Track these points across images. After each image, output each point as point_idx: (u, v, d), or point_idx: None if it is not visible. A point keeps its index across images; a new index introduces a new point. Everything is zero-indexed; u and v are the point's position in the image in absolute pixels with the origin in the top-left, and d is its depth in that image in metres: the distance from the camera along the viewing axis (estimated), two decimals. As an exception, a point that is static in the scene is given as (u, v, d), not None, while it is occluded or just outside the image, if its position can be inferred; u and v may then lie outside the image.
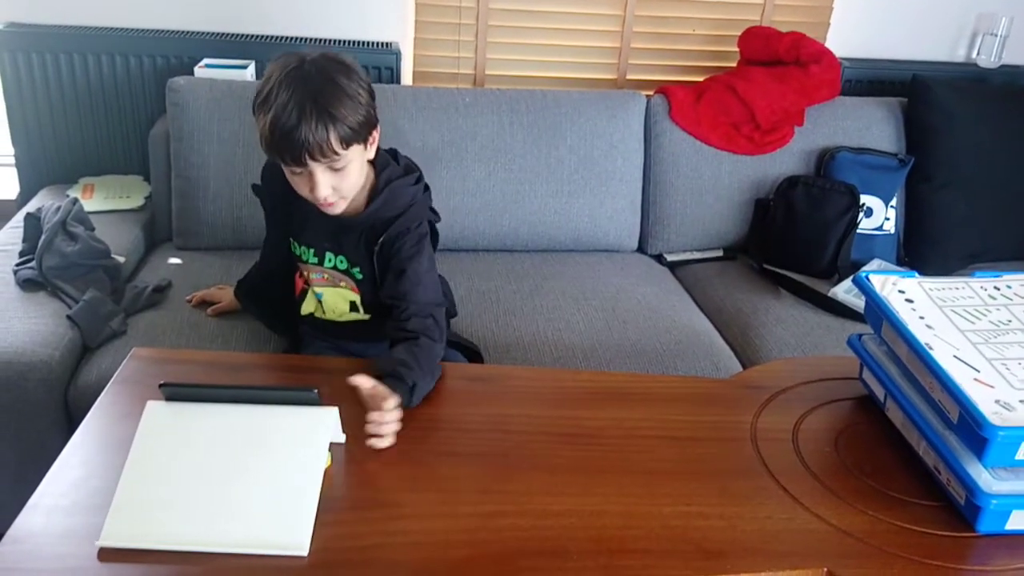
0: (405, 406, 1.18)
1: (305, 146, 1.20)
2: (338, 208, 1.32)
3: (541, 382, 1.37)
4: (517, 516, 1.04)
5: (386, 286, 1.38)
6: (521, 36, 2.50)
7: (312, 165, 1.24)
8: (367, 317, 1.47)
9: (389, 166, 1.39)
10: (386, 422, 1.13)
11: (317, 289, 1.46)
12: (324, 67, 1.24)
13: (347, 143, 1.24)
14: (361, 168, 1.31)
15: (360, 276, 1.42)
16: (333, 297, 1.46)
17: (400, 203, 1.38)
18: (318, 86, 1.21)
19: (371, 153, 1.33)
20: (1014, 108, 2.47)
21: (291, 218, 1.43)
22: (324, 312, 1.49)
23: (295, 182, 1.29)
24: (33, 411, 1.61)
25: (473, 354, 1.64)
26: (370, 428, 1.12)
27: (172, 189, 2.12)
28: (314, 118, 1.19)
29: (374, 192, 1.36)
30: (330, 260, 1.42)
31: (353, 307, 1.46)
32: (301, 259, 1.45)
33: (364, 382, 1.17)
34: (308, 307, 1.50)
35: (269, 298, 1.63)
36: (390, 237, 1.36)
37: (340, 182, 1.28)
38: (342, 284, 1.44)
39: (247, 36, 2.35)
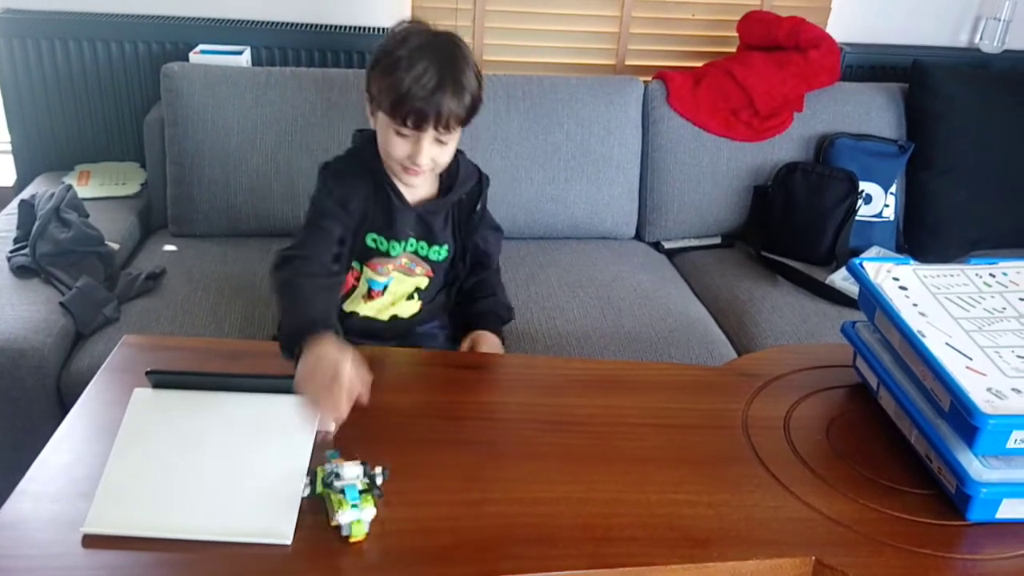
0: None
1: (435, 113, 1.27)
2: (420, 179, 1.38)
3: (531, 370, 1.36)
4: (503, 504, 1.03)
5: (484, 245, 1.52)
6: (519, 21, 2.48)
7: (427, 133, 1.29)
8: (415, 309, 1.49)
9: None
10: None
11: (389, 275, 1.45)
12: (457, 44, 1.32)
13: (464, 121, 1.32)
14: (455, 146, 1.37)
15: (445, 255, 1.47)
16: (401, 284, 1.47)
17: (471, 171, 1.47)
18: (456, 62, 1.29)
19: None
20: (1017, 94, 2.45)
21: (371, 214, 1.41)
22: (372, 307, 1.47)
23: (393, 142, 1.32)
24: (25, 398, 1.61)
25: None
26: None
27: (167, 176, 2.12)
28: (451, 89, 1.26)
29: (448, 169, 1.42)
30: (412, 245, 1.44)
31: (412, 295, 1.48)
32: (385, 253, 1.43)
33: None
34: (353, 304, 1.48)
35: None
36: (482, 203, 1.48)
37: (440, 154, 1.34)
38: (417, 270, 1.46)
39: (243, 22, 2.34)
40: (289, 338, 1.17)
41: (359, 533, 0.95)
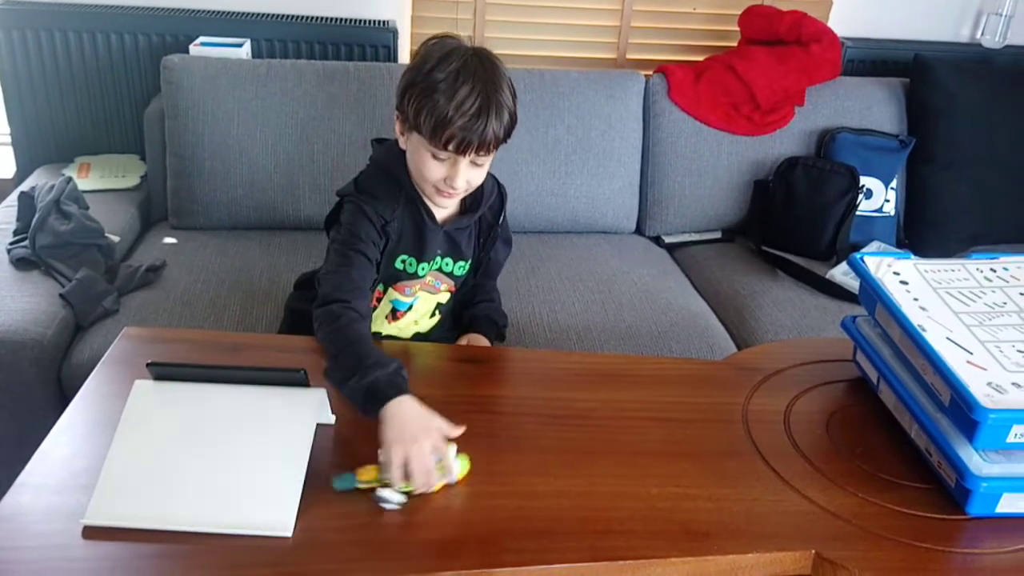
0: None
1: (477, 138, 1.22)
2: (453, 201, 1.35)
3: (531, 363, 1.36)
4: (504, 497, 1.03)
5: (496, 257, 1.50)
6: (520, 14, 2.47)
7: (464, 156, 1.25)
8: (435, 323, 1.48)
9: None
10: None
11: (415, 296, 1.42)
12: (495, 63, 1.26)
13: (501, 142, 1.28)
14: (488, 167, 1.33)
15: (467, 269, 1.45)
16: (425, 302, 1.44)
17: (491, 183, 1.42)
18: (496, 84, 1.24)
19: None
20: (1018, 89, 2.45)
21: (401, 235, 1.36)
22: (395, 327, 1.45)
23: (429, 165, 1.27)
24: (26, 390, 1.61)
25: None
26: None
27: (167, 168, 2.11)
28: (494, 115, 1.22)
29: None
30: (436, 264, 1.41)
31: (434, 312, 1.47)
32: (413, 274, 1.39)
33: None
34: (375, 325, 1.43)
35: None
36: (504, 219, 1.46)
37: (475, 177, 1.30)
38: (442, 287, 1.44)
39: (243, 14, 2.33)
40: (367, 395, 1.10)
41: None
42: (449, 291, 1.46)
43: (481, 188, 1.38)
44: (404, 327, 1.46)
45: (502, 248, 1.52)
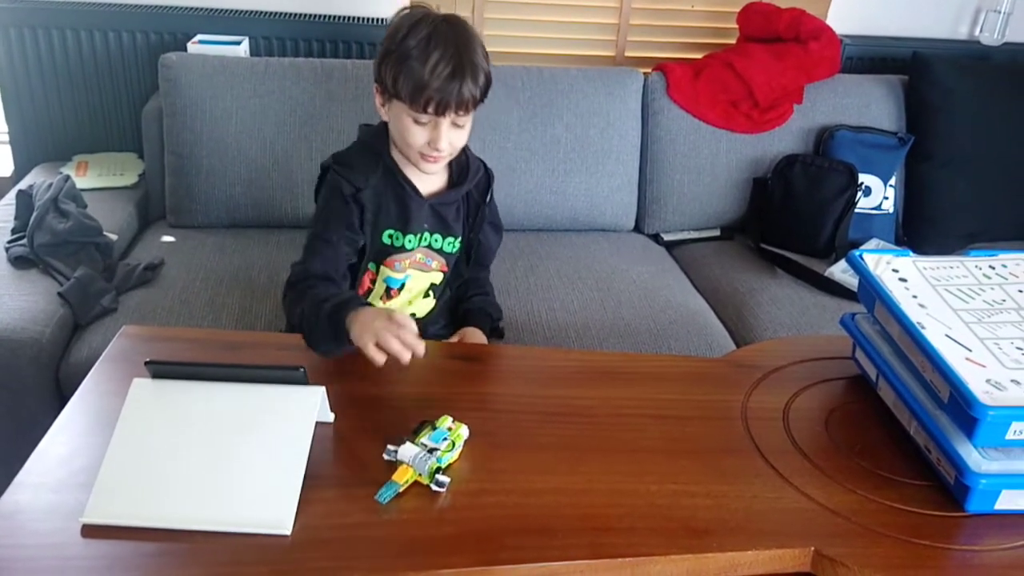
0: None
1: (454, 99, 1.28)
2: (439, 165, 1.38)
3: (530, 361, 1.36)
4: (502, 494, 1.03)
5: (486, 241, 1.52)
6: (518, 12, 2.47)
7: (445, 118, 1.30)
8: (430, 307, 1.49)
9: None
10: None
11: (406, 273, 1.45)
12: (464, 26, 1.32)
13: (478, 102, 1.33)
14: (470, 128, 1.38)
15: (457, 247, 1.48)
16: (417, 281, 1.47)
17: (477, 165, 1.48)
18: (467, 46, 1.29)
19: None
20: (1016, 87, 2.45)
21: (384, 209, 1.40)
22: (390, 306, 1.46)
23: (412, 131, 1.32)
24: (24, 388, 1.61)
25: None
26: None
27: (165, 166, 2.11)
28: (468, 74, 1.28)
29: (454, 161, 1.44)
30: (425, 239, 1.44)
31: (428, 293, 1.48)
32: (401, 248, 1.42)
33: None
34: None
35: None
36: (491, 198, 1.49)
37: (457, 138, 1.35)
38: (433, 265, 1.46)
39: (241, 12, 2.33)
40: (331, 321, 1.19)
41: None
42: (441, 270, 1.48)
43: (467, 164, 1.45)
44: (399, 308, 1.46)
45: (492, 234, 1.54)
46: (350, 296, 1.26)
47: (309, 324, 1.24)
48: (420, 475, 1.02)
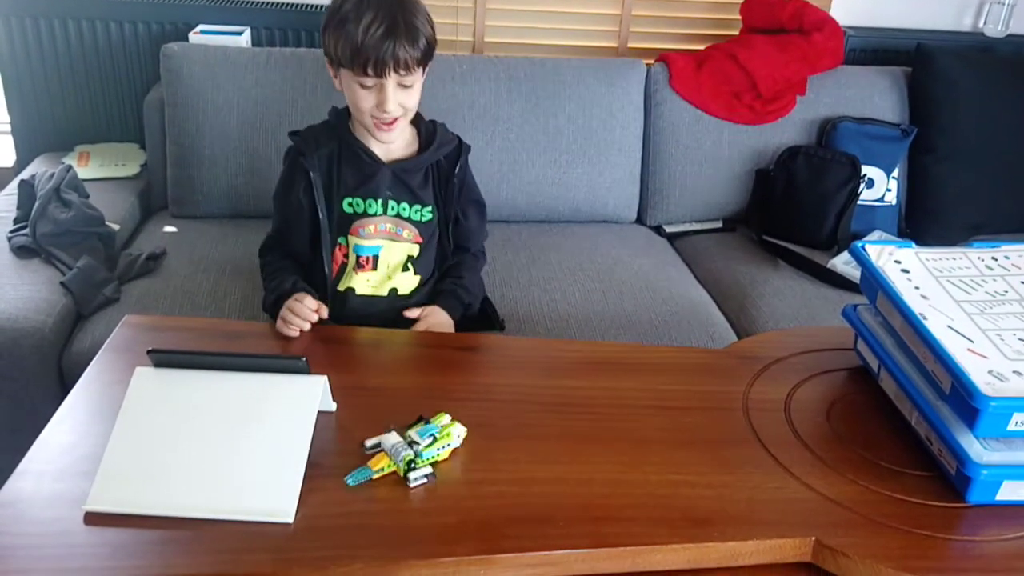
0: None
1: (390, 58, 1.31)
2: (396, 130, 1.41)
3: (532, 352, 1.36)
4: (504, 484, 1.03)
5: (463, 219, 1.54)
6: (521, 3, 2.46)
7: (388, 79, 1.34)
8: (415, 284, 1.50)
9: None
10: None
11: (376, 242, 1.47)
12: None
13: (422, 62, 1.37)
14: (420, 90, 1.41)
15: (429, 216, 1.49)
16: (391, 252, 1.48)
17: (450, 137, 1.51)
18: (401, 7, 1.34)
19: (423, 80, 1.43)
20: (1020, 79, 2.43)
21: (341, 178, 1.46)
22: (369, 280, 1.48)
23: (360, 95, 1.37)
24: (26, 378, 1.61)
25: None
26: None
27: (167, 157, 2.11)
28: (403, 33, 1.32)
29: (423, 132, 1.49)
30: (393, 208, 1.47)
31: (406, 266, 1.49)
32: (363, 213, 1.46)
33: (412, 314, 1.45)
34: (347, 281, 1.48)
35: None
36: (461, 168, 1.50)
37: (406, 99, 1.38)
38: (404, 234, 1.48)
39: (243, 2, 2.32)
40: (273, 307, 1.40)
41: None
42: (416, 241, 1.49)
43: (434, 132, 1.49)
44: (379, 283, 1.48)
45: (472, 211, 1.56)
46: (287, 289, 1.40)
47: (264, 303, 1.44)
48: (396, 465, 1.02)
